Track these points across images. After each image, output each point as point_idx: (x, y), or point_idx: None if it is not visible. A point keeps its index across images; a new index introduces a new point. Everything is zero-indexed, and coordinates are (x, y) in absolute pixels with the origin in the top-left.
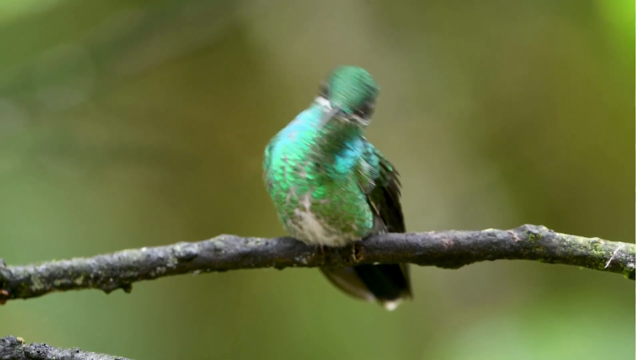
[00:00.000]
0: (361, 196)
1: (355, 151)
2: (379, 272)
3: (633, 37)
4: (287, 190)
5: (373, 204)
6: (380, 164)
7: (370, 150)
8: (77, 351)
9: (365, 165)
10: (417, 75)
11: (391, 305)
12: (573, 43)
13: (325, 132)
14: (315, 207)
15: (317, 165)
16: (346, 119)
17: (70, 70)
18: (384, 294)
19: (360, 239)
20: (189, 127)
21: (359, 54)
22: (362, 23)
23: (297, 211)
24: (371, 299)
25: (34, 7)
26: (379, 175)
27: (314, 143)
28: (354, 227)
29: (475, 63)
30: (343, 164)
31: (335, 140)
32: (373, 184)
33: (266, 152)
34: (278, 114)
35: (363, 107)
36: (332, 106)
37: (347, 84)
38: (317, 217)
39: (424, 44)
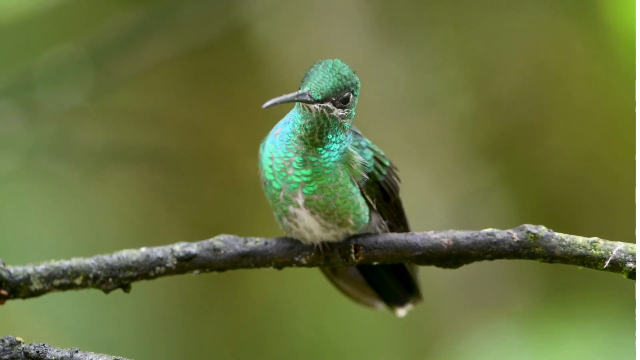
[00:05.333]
0: (355, 190)
1: (341, 145)
2: (388, 276)
3: (633, 38)
4: (280, 189)
5: (368, 197)
6: (375, 158)
7: (364, 144)
8: (77, 351)
9: (357, 158)
10: (418, 74)
11: (401, 312)
12: (573, 44)
13: (303, 124)
14: (309, 203)
15: (304, 160)
16: (316, 106)
17: (69, 71)
18: (393, 299)
19: (357, 232)
20: (189, 128)
21: (359, 54)
22: (362, 23)
23: (291, 208)
24: (380, 306)
25: (34, 7)
26: (372, 169)
27: (293, 136)
28: (350, 221)
29: (475, 63)
30: (328, 156)
31: (315, 132)
32: (366, 177)
33: (260, 149)
34: (277, 114)
35: (336, 95)
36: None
37: (319, 72)
38: (312, 213)
39: (424, 44)
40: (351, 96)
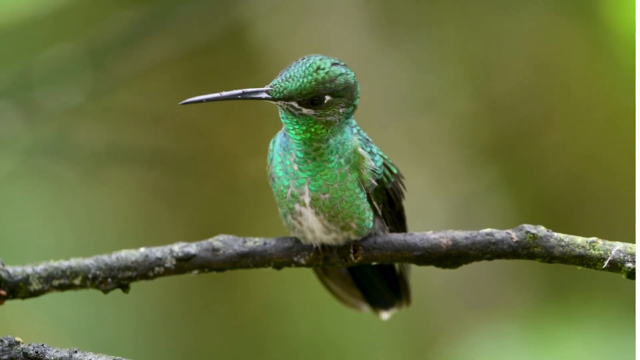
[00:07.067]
0: (362, 195)
1: (334, 136)
2: (376, 278)
3: (633, 38)
4: (288, 186)
5: (375, 203)
6: (385, 165)
7: (374, 150)
8: (75, 351)
9: (369, 163)
10: (418, 74)
11: (385, 315)
12: (573, 44)
13: (281, 116)
14: (315, 203)
15: (304, 155)
16: (280, 103)
17: (69, 71)
18: (379, 302)
19: (359, 238)
20: (188, 128)
21: (359, 54)
22: (362, 23)
23: (297, 206)
24: (365, 308)
25: (34, 8)
26: (382, 176)
27: (287, 132)
28: (353, 225)
29: (475, 63)
30: (324, 147)
31: (292, 126)
32: (375, 183)
33: (270, 145)
34: (277, 115)
35: (302, 97)
36: (269, 85)
37: (292, 70)
38: (317, 214)
39: (424, 44)
40: (328, 98)
